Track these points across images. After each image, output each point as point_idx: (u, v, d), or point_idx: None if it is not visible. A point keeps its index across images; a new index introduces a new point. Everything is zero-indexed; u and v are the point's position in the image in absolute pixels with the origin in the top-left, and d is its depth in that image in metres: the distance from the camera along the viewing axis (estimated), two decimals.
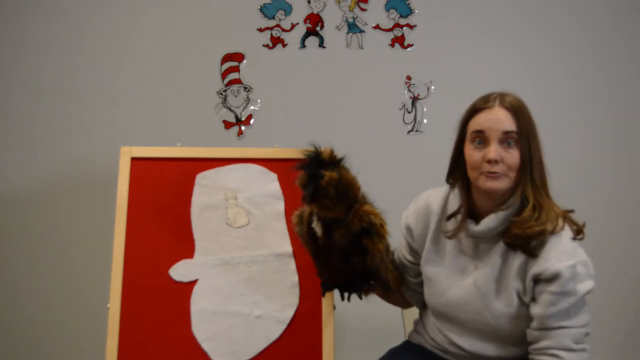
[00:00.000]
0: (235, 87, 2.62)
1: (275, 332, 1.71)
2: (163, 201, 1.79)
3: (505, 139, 1.36)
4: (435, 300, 1.53)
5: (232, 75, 2.62)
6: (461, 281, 1.46)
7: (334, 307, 1.71)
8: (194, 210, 1.79)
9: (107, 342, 1.66)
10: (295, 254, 1.77)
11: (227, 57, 2.62)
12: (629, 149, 2.65)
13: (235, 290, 1.73)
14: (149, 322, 1.69)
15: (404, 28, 2.64)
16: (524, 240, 1.36)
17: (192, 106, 2.60)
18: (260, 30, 2.62)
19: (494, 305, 1.41)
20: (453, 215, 1.48)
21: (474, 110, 1.42)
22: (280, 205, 1.81)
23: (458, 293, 1.46)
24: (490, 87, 2.61)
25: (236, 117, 2.62)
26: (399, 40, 2.64)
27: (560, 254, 1.35)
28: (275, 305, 1.72)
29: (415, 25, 2.64)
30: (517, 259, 1.39)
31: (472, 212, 1.46)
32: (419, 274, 1.62)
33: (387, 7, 2.64)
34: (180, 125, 2.58)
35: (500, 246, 1.41)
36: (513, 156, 1.36)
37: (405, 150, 2.61)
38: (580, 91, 2.65)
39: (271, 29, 2.62)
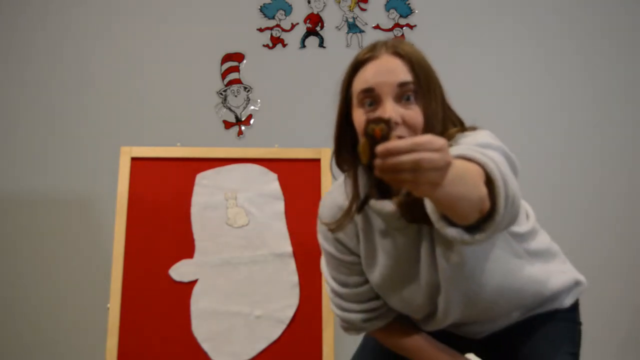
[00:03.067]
0: (235, 87, 2.62)
1: (275, 332, 1.71)
2: (163, 201, 1.79)
3: (402, 92, 1.07)
4: (405, 310, 1.21)
5: (232, 75, 2.62)
6: (406, 269, 1.14)
7: None
8: (194, 210, 1.79)
9: (107, 342, 1.66)
10: (295, 254, 1.77)
11: (227, 57, 2.62)
12: (630, 147, 2.65)
13: (235, 290, 1.73)
14: (149, 322, 1.70)
15: (404, 28, 2.64)
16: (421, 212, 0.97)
17: (192, 106, 2.60)
18: (260, 30, 2.62)
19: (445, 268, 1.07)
20: (361, 205, 1.12)
21: (358, 64, 1.14)
22: (280, 205, 1.81)
23: (408, 285, 1.14)
24: (490, 87, 2.63)
25: (236, 117, 2.62)
26: None
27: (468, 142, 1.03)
28: (275, 305, 1.72)
29: (415, 25, 2.64)
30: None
31: (380, 189, 1.11)
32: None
33: (387, 7, 2.64)
34: (180, 125, 2.58)
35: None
36: (414, 112, 1.06)
37: None
38: (581, 89, 2.65)
39: (271, 29, 2.62)
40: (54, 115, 2.60)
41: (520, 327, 1.24)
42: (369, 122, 0.79)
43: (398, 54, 1.09)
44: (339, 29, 2.63)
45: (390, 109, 1.04)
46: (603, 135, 2.66)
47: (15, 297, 2.59)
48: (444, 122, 1.11)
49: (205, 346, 1.69)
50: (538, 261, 1.21)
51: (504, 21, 2.65)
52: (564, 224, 2.62)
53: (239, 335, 1.70)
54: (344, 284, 1.25)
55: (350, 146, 1.16)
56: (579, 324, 1.37)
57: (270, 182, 1.83)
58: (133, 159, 1.81)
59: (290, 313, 1.72)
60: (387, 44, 1.11)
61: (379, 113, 1.06)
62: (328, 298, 1.69)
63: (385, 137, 0.77)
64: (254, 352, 1.69)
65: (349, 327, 1.27)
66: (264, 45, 2.62)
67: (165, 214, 1.78)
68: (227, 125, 2.61)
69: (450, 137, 1.07)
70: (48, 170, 2.59)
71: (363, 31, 2.63)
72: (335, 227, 1.16)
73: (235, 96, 2.61)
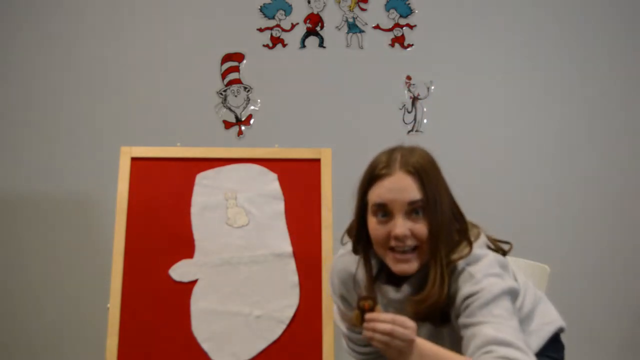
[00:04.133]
0: (235, 87, 2.62)
1: (275, 332, 1.71)
2: (163, 201, 1.79)
3: (412, 209, 1.20)
4: None
5: (232, 75, 2.62)
6: None
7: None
8: (194, 210, 1.79)
9: (107, 342, 1.66)
10: (295, 254, 1.77)
11: (227, 57, 2.62)
12: (630, 147, 2.65)
13: (235, 290, 1.73)
14: (149, 322, 1.69)
15: (404, 28, 2.64)
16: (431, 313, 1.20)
17: (192, 106, 2.60)
18: (260, 30, 2.62)
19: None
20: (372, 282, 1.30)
21: (373, 178, 1.25)
22: (280, 205, 1.81)
23: None
24: (490, 86, 2.62)
25: (236, 117, 2.62)
26: (399, 40, 2.64)
27: (464, 284, 1.20)
28: (275, 305, 1.72)
29: (415, 25, 2.64)
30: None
31: (388, 275, 1.29)
32: None
33: (387, 7, 2.64)
34: (180, 125, 2.58)
35: None
36: (422, 226, 1.20)
37: None
38: (579, 89, 2.65)
39: (271, 29, 2.62)
40: (54, 116, 2.60)
41: None
42: (360, 298, 1.13)
43: (410, 172, 1.22)
44: (339, 29, 2.63)
45: (400, 225, 1.19)
46: (603, 135, 2.66)
47: (16, 297, 2.59)
48: (449, 231, 1.23)
49: (205, 346, 1.69)
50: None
51: (504, 21, 2.65)
52: (564, 224, 2.62)
53: (239, 335, 1.69)
54: (349, 330, 1.47)
55: (365, 237, 1.29)
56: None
57: (270, 182, 1.83)
58: (133, 159, 1.81)
59: (290, 313, 1.72)
60: (401, 161, 1.23)
61: (389, 227, 1.21)
62: (328, 298, 1.69)
63: (372, 309, 1.11)
64: (254, 352, 1.69)
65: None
66: (264, 45, 2.62)
67: (165, 214, 1.78)
68: (227, 125, 2.61)
69: (454, 261, 1.22)
70: (48, 170, 2.59)
71: (363, 31, 2.63)
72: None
73: (235, 96, 2.61)
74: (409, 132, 2.62)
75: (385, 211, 1.22)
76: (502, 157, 2.56)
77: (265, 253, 1.76)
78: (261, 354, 1.69)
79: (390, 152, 1.27)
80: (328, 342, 1.68)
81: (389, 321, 1.08)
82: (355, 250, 1.34)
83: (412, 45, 2.64)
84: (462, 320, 1.18)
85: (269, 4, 2.62)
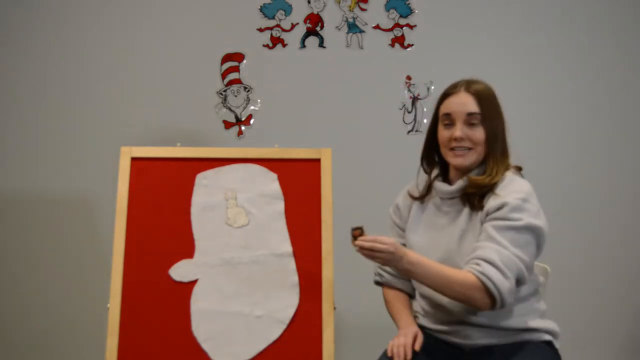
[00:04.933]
0: (235, 87, 2.62)
1: (275, 332, 1.70)
2: (163, 201, 1.79)
3: (469, 119, 1.54)
4: None
5: (232, 75, 2.62)
6: (438, 241, 1.59)
7: (334, 307, 1.71)
8: (194, 210, 1.79)
9: (107, 342, 1.66)
10: (295, 254, 1.77)
11: (227, 57, 2.62)
12: (629, 147, 2.65)
13: (235, 290, 1.73)
14: (149, 322, 1.69)
15: (404, 28, 2.64)
16: (476, 191, 1.53)
17: (192, 106, 2.60)
18: (260, 30, 2.62)
19: (464, 250, 1.53)
20: (430, 185, 1.67)
21: (444, 96, 1.62)
22: (280, 205, 1.81)
23: (435, 254, 1.56)
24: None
25: (236, 117, 2.62)
26: (399, 40, 2.64)
27: (510, 191, 1.48)
28: (275, 305, 1.72)
29: (415, 25, 2.64)
30: (479, 213, 1.53)
31: (445, 179, 1.65)
32: None
33: (387, 7, 2.64)
34: (180, 125, 2.58)
35: (466, 205, 1.57)
36: (477, 132, 1.54)
37: (405, 150, 2.61)
38: (578, 89, 2.65)
39: (271, 29, 2.62)
40: (54, 116, 2.60)
41: (507, 348, 1.51)
42: (352, 228, 1.47)
43: (470, 92, 1.57)
44: (339, 29, 2.63)
45: (459, 129, 1.55)
46: (603, 135, 2.66)
47: (16, 297, 2.59)
48: (501, 143, 1.58)
49: (205, 346, 1.69)
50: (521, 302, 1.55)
51: (504, 21, 2.65)
52: (565, 224, 2.62)
53: (239, 335, 1.69)
54: None
55: (434, 149, 1.67)
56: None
57: (270, 182, 1.83)
58: (133, 159, 1.81)
59: (290, 313, 1.72)
60: (465, 85, 1.59)
61: (452, 131, 1.56)
62: (328, 298, 1.70)
63: (361, 234, 1.47)
64: (254, 352, 1.69)
65: (380, 279, 1.75)
66: (264, 45, 2.62)
67: (165, 214, 1.78)
68: (227, 125, 2.61)
69: (493, 179, 1.53)
70: (48, 170, 2.59)
71: (363, 31, 2.63)
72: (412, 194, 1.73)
73: (235, 96, 2.62)
74: (409, 132, 2.62)
75: (450, 120, 1.57)
76: None
77: (265, 253, 1.76)
78: (261, 354, 1.69)
79: (457, 81, 1.63)
80: (328, 342, 1.68)
81: (370, 240, 1.43)
82: (423, 157, 1.69)
83: (412, 45, 2.64)
84: (486, 224, 1.47)
85: (269, 4, 2.62)
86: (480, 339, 1.52)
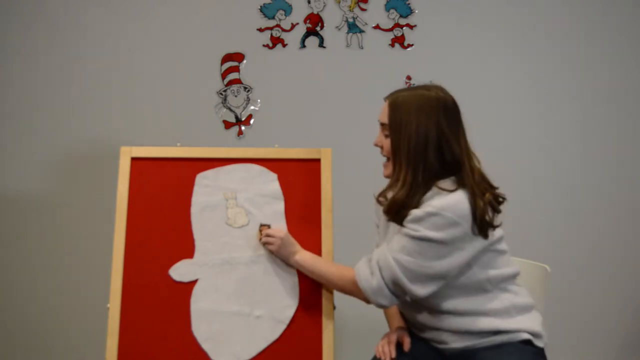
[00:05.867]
0: (235, 87, 2.62)
1: (275, 332, 1.71)
2: (163, 201, 1.79)
3: (383, 129, 1.57)
4: None
5: (232, 75, 2.62)
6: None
7: (334, 307, 1.71)
8: (194, 210, 1.79)
9: (107, 342, 1.66)
10: None
11: (227, 57, 2.62)
12: (630, 147, 2.66)
13: (235, 290, 1.73)
14: (149, 322, 1.69)
15: (404, 28, 2.64)
16: (393, 215, 1.52)
17: (192, 106, 2.61)
18: (260, 30, 2.62)
19: None
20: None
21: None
22: (280, 205, 1.81)
23: None
24: (490, 86, 2.63)
25: (236, 117, 2.62)
26: (399, 40, 2.64)
27: (426, 205, 1.46)
28: (275, 305, 1.72)
29: (415, 25, 2.64)
30: None
31: None
32: None
33: (387, 7, 2.64)
34: (180, 125, 2.58)
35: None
36: (386, 144, 1.55)
37: None
38: (579, 89, 2.66)
39: (271, 29, 2.63)
40: (54, 116, 2.60)
41: (484, 350, 1.50)
42: (260, 225, 1.75)
43: (388, 101, 1.56)
44: (339, 29, 2.63)
45: (377, 137, 1.60)
46: (603, 135, 2.66)
47: (15, 297, 2.59)
48: (416, 156, 1.48)
49: (205, 346, 1.69)
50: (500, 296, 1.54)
51: (504, 21, 2.66)
52: (564, 224, 2.62)
53: (239, 335, 1.69)
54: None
55: None
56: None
57: (270, 182, 1.83)
58: (133, 159, 1.81)
59: (290, 313, 1.72)
60: (392, 92, 1.58)
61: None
62: (328, 298, 1.70)
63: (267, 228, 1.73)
64: (254, 352, 1.69)
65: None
66: (264, 45, 2.62)
67: (165, 214, 1.78)
68: (227, 125, 2.61)
69: (397, 195, 1.50)
70: (48, 170, 2.59)
71: (363, 31, 2.63)
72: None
73: (235, 96, 2.62)
74: None
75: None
76: (501, 157, 2.56)
77: (266, 253, 1.76)
78: (261, 354, 1.69)
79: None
80: (328, 342, 1.68)
81: (266, 234, 1.69)
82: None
83: (412, 45, 2.64)
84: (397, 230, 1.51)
85: (269, 4, 2.62)
86: (455, 342, 1.54)
